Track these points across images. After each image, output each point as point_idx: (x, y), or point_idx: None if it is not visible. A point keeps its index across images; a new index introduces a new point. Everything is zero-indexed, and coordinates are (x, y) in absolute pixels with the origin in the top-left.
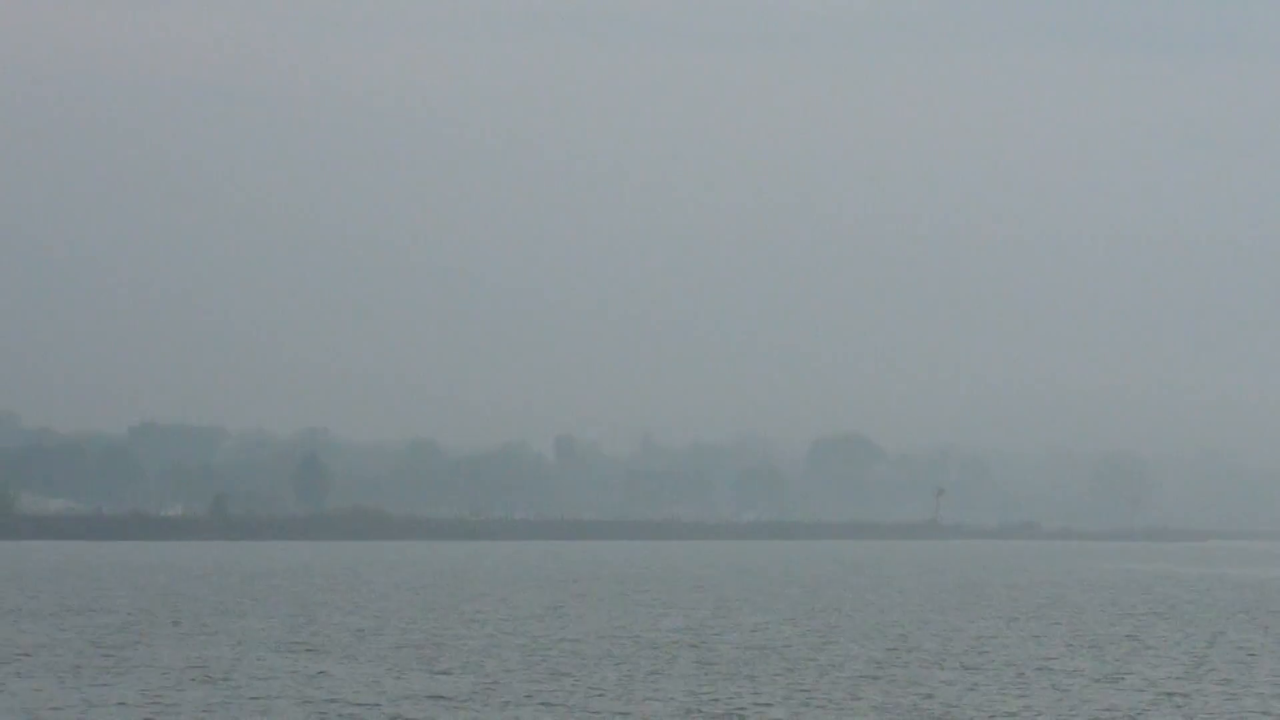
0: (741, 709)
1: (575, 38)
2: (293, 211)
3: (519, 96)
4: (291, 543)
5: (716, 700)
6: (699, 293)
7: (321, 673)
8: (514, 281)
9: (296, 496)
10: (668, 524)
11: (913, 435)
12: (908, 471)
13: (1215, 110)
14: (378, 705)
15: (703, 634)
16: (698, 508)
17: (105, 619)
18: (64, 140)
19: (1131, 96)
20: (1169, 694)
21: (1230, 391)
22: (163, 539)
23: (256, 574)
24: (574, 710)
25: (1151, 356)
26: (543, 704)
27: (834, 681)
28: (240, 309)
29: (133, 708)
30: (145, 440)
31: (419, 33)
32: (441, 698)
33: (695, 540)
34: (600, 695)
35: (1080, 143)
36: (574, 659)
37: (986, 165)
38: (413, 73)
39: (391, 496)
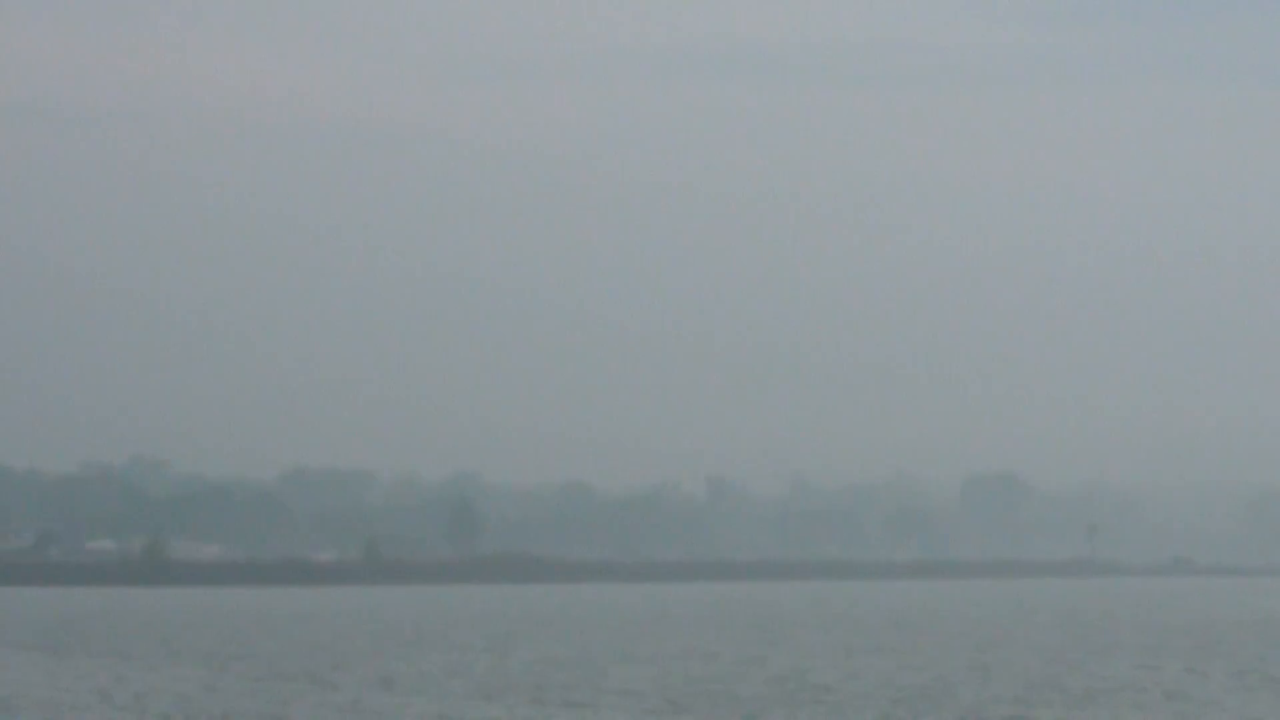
0: None
1: (724, 80)
2: (443, 261)
3: (664, 139)
4: (443, 587)
5: None
6: (849, 332)
7: None
8: (664, 323)
9: (448, 540)
10: (819, 564)
11: (1063, 472)
12: (1059, 509)
13: None
14: None
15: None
16: (848, 547)
17: (255, 665)
18: (216, 197)
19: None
20: None
21: None
22: (314, 584)
23: (408, 618)
24: None
25: None
26: None
27: None
28: (390, 354)
29: None
30: (296, 486)
31: (556, 78)
32: None
33: (846, 580)
34: None
35: (1227, 174)
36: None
37: (1132, 200)
38: (545, 119)
39: (543, 539)
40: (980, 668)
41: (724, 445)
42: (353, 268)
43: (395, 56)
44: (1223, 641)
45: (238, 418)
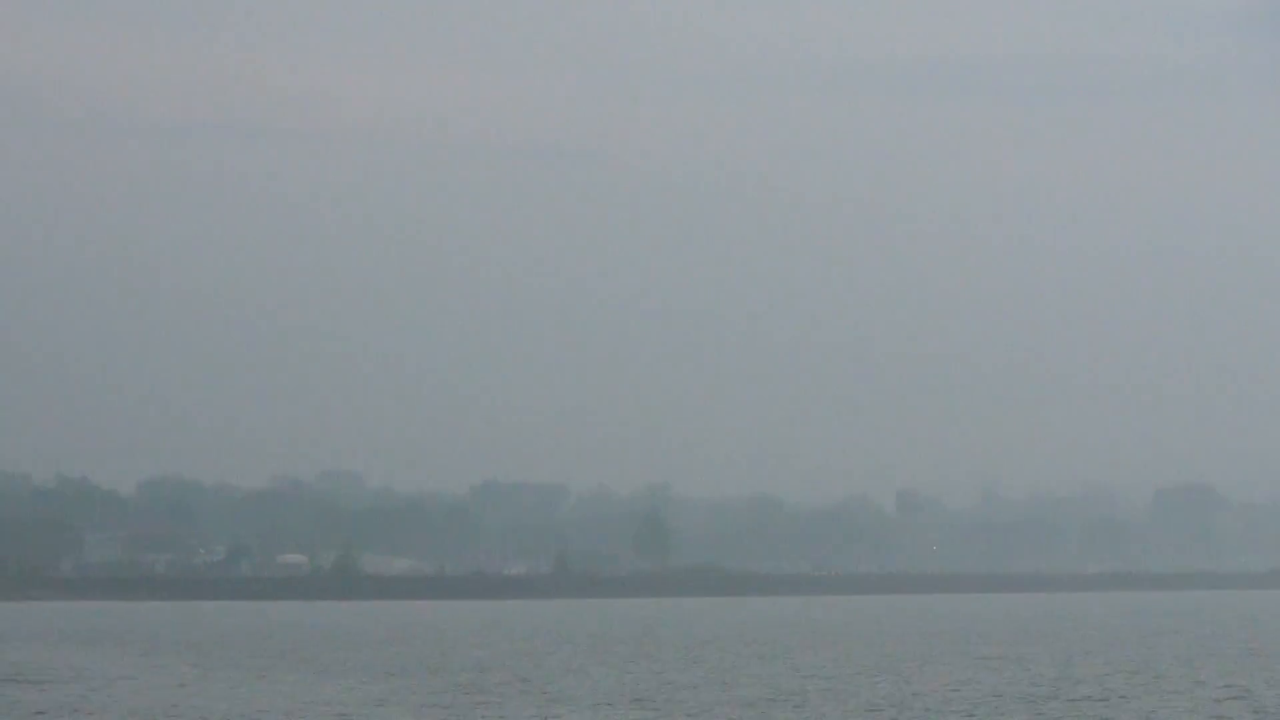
0: None
1: (900, 96)
2: (628, 280)
3: (837, 156)
4: (633, 600)
5: None
6: (1039, 342)
7: None
8: (854, 337)
9: (638, 553)
10: (1010, 577)
11: (1258, 483)
12: (1253, 520)
13: None
14: None
15: None
16: (1040, 560)
17: (443, 678)
18: (368, 215)
19: None
20: None
21: None
22: (504, 597)
23: (597, 631)
24: None
25: None
26: None
27: None
28: (581, 370)
29: None
30: (487, 499)
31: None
32: None
33: (1037, 593)
34: None
35: None
36: None
37: None
38: (713, 137)
39: (733, 552)
40: None
41: (914, 458)
42: (531, 281)
43: (545, 74)
44: None
45: (429, 432)
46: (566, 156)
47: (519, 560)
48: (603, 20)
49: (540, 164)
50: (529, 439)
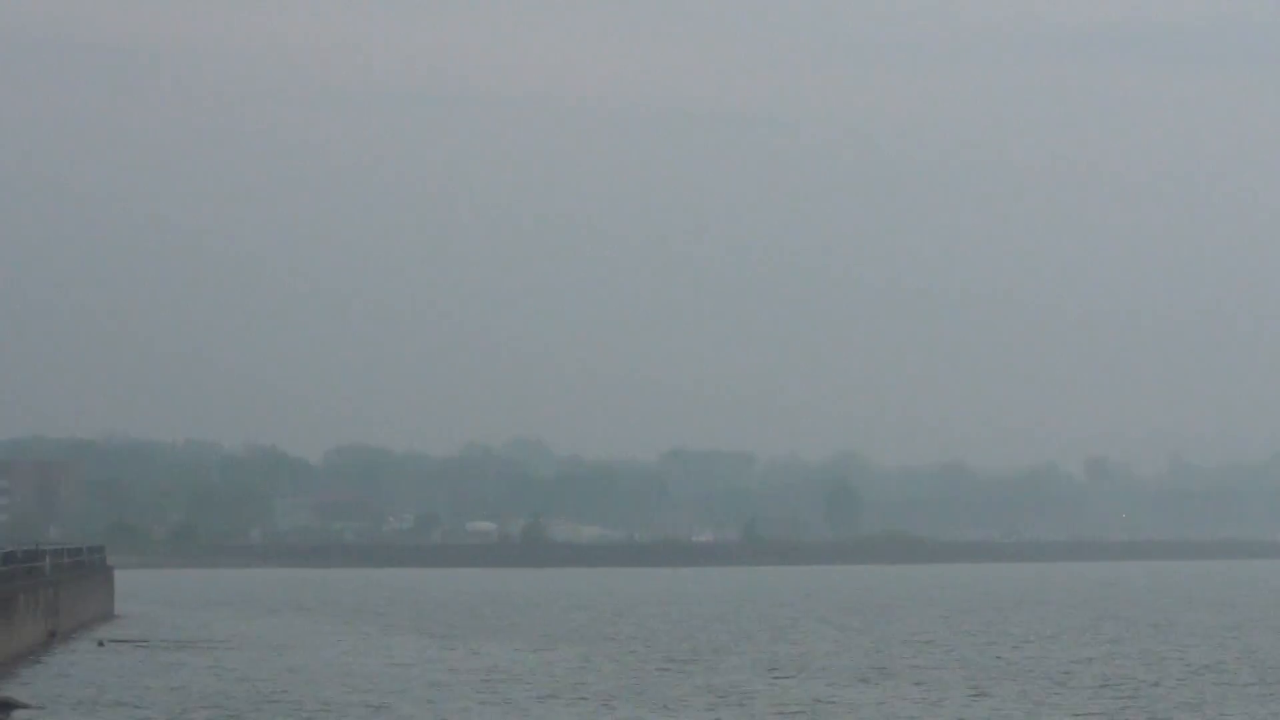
0: None
1: (1100, 59)
2: (810, 247)
3: (1031, 120)
4: (822, 567)
5: None
6: (1226, 310)
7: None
8: (1039, 303)
9: (827, 521)
10: (1199, 544)
11: None
12: None
13: None
14: None
15: None
16: (1231, 527)
17: (633, 646)
18: (578, 188)
19: None
20: None
21: None
22: (693, 565)
23: (787, 599)
24: None
25: None
26: None
27: None
28: (768, 336)
29: None
30: (676, 467)
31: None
32: None
33: (1229, 560)
34: None
35: None
36: None
37: None
38: (901, 102)
39: (923, 519)
40: None
41: (1103, 425)
42: (724, 256)
43: (729, 42)
44: None
45: (618, 400)
46: (754, 123)
47: (708, 528)
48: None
49: (730, 130)
50: (718, 407)
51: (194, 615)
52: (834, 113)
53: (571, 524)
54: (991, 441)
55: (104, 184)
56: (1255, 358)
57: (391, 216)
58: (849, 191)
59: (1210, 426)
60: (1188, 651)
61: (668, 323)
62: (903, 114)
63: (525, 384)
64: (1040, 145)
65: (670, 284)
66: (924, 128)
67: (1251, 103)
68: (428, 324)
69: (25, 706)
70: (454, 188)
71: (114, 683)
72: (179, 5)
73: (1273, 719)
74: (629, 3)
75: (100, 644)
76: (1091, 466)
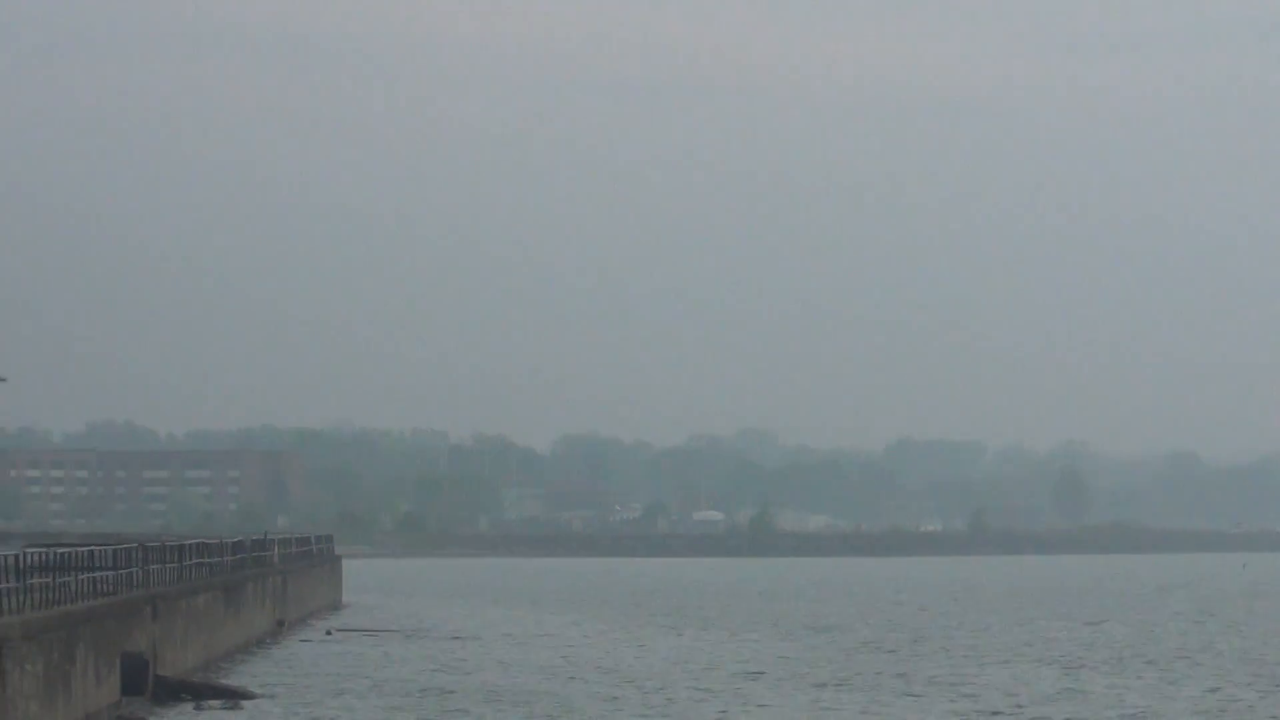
0: None
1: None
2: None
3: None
4: (1050, 557)
5: None
6: None
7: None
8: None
9: (1055, 510)
10: None
11: None
12: None
13: None
14: None
15: None
16: None
17: (855, 635)
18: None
19: None
20: None
21: None
22: (920, 554)
23: (1011, 589)
24: None
25: None
26: None
27: None
28: (996, 324)
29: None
30: (903, 456)
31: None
32: None
33: None
34: None
35: None
36: None
37: None
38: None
39: (1149, 509)
40: None
41: None
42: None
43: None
44: None
45: (845, 390)
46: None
47: (935, 517)
48: None
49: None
50: (945, 396)
51: (422, 605)
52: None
53: (798, 514)
54: (1220, 430)
55: (313, 176)
56: None
57: (621, 203)
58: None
59: None
60: None
61: (896, 313)
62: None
63: (753, 374)
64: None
65: (899, 272)
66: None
67: None
68: (656, 315)
69: (254, 696)
70: (692, 175)
71: (342, 672)
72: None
73: None
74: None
75: (328, 633)
76: None
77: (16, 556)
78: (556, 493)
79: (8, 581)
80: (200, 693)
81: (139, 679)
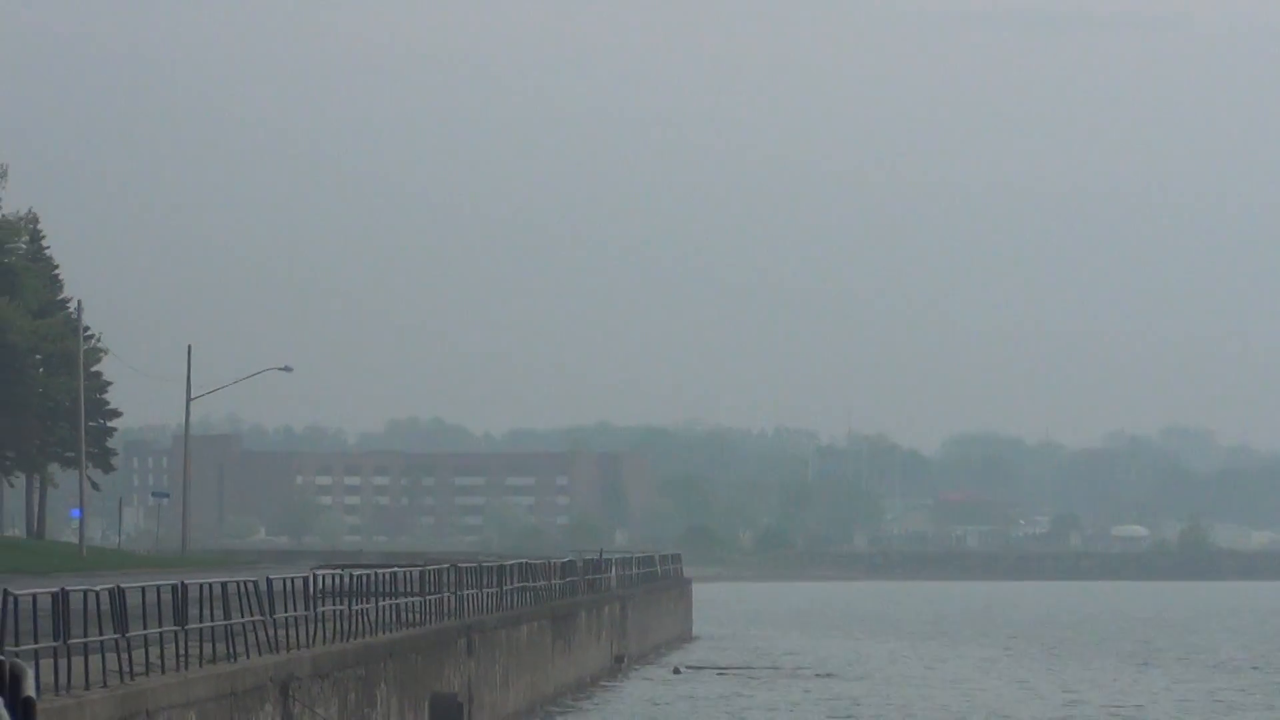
0: None
1: None
2: None
3: None
4: None
5: None
6: None
7: None
8: None
9: None
10: None
11: None
12: None
13: None
14: None
15: None
16: None
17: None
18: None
19: None
20: None
21: None
22: None
23: None
24: None
25: None
26: None
27: None
28: None
29: None
30: None
31: None
32: None
33: None
34: None
35: None
36: None
37: None
38: None
39: None
40: None
41: None
42: None
43: None
44: None
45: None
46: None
47: None
48: None
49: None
50: None
51: (787, 637)
52: None
53: (1238, 528)
54: None
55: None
56: None
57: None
58: None
59: None
60: None
61: None
62: None
63: (1180, 363)
64: None
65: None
66: None
67: None
68: (1066, 295)
69: None
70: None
71: (690, 718)
72: None
73: None
74: None
75: (676, 671)
76: None
77: (305, 580)
78: (947, 503)
79: (295, 609)
80: None
81: None
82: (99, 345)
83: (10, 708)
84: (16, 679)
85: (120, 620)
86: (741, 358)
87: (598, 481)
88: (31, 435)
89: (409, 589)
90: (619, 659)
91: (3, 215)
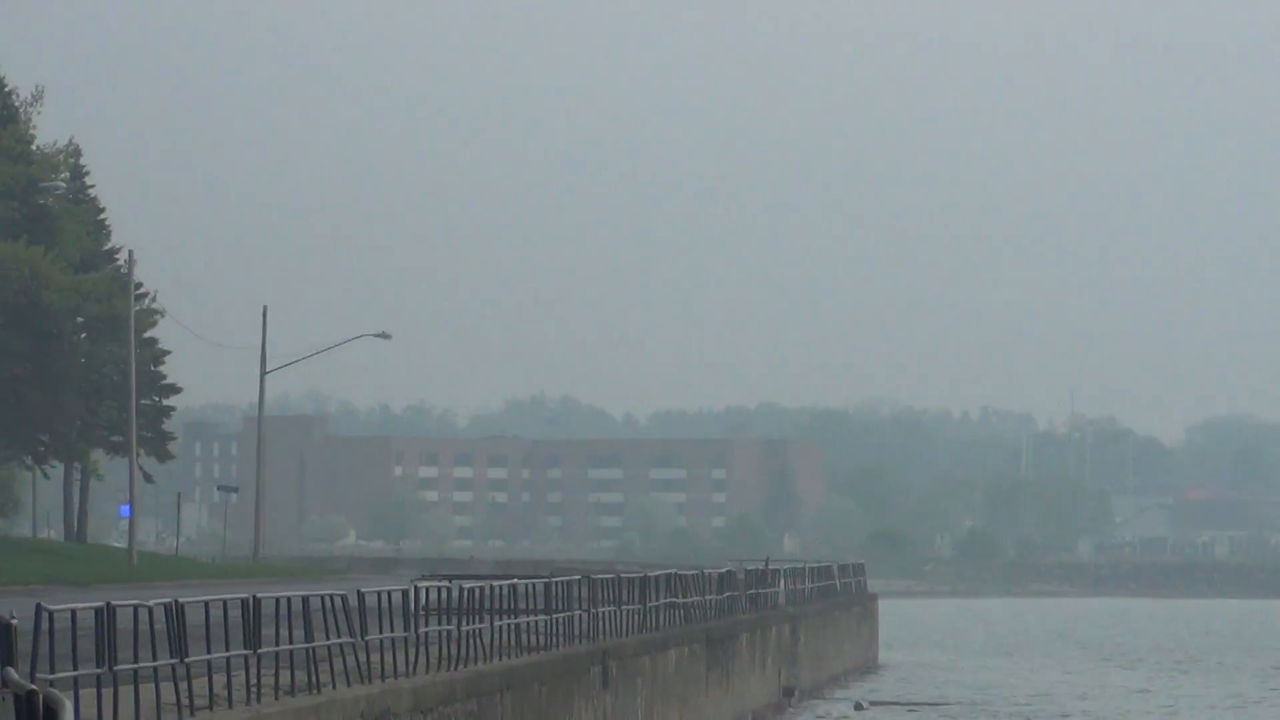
0: None
1: None
2: None
3: None
4: None
5: None
6: None
7: None
8: None
9: None
10: None
11: None
12: None
13: None
14: None
15: None
16: None
17: None
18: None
19: None
20: None
21: None
22: None
23: None
24: None
25: None
26: None
27: None
28: None
29: None
30: None
31: None
32: None
33: None
34: None
35: None
36: None
37: None
38: None
39: None
40: None
41: None
42: None
43: None
44: None
45: None
46: None
47: None
48: None
49: None
50: None
51: (992, 666)
52: None
53: None
54: None
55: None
56: None
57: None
58: None
59: None
60: None
61: None
62: None
63: None
64: None
65: None
66: None
67: None
68: None
69: None
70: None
71: None
72: None
73: None
74: None
75: (858, 707)
76: None
77: (404, 593)
78: (1191, 503)
79: (392, 630)
80: None
81: None
82: (154, 306)
83: None
84: (52, 712)
85: (178, 642)
86: (936, 326)
87: (762, 475)
88: (71, 415)
89: (531, 605)
90: (788, 692)
91: (37, 146)
